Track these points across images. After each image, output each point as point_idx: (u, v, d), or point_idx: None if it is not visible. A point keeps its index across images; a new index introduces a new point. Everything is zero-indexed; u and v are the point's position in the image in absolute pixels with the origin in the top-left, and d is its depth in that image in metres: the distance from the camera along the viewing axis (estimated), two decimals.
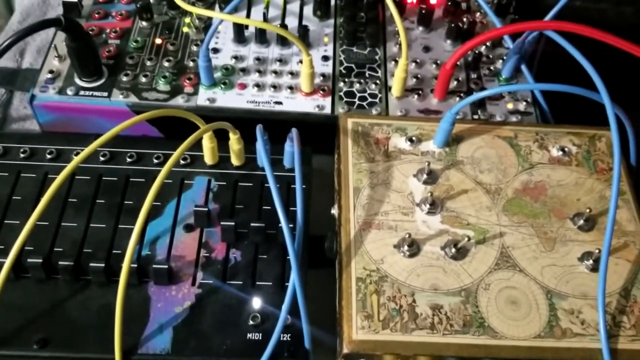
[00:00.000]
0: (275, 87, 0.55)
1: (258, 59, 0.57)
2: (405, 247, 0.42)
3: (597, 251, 0.43)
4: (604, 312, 0.40)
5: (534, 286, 0.42)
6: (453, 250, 0.42)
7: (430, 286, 0.41)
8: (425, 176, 0.46)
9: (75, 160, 0.38)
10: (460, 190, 0.46)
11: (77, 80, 0.54)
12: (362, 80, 0.56)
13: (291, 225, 0.42)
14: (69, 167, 0.38)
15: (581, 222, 0.45)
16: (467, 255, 0.43)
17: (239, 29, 0.57)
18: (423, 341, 0.39)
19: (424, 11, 0.60)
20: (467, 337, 0.40)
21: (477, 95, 0.46)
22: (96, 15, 0.59)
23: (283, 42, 0.58)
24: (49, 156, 0.49)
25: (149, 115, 0.41)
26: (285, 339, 0.41)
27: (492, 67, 0.58)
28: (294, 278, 0.39)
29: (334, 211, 0.47)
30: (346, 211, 0.45)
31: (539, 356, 0.40)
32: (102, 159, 0.49)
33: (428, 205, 0.44)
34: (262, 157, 0.42)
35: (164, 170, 0.39)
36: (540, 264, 0.43)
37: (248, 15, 0.61)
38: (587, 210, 0.45)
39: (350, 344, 0.39)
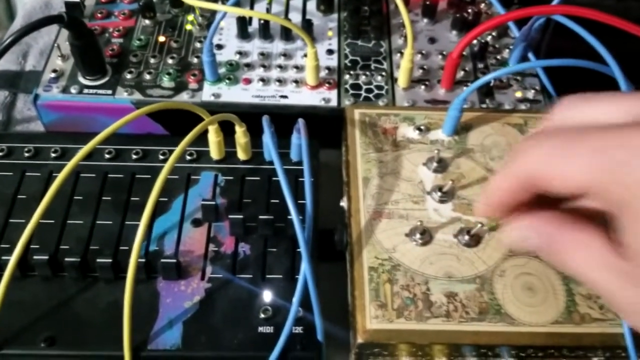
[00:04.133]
0: (280, 81, 0.54)
1: (262, 54, 0.56)
2: (418, 236, 0.42)
3: None
4: None
5: (550, 272, 0.41)
6: (466, 237, 0.42)
7: (444, 274, 0.40)
8: (435, 164, 0.45)
9: (78, 155, 0.37)
10: (472, 178, 0.45)
11: (81, 79, 0.53)
12: (367, 73, 0.56)
13: (300, 217, 0.41)
14: (71, 163, 0.37)
15: None
16: (480, 242, 0.42)
17: (243, 25, 0.57)
18: (439, 329, 0.38)
19: (428, 3, 0.60)
20: (484, 325, 0.39)
21: (484, 79, 0.45)
22: (99, 15, 0.59)
23: (287, 36, 0.57)
24: (53, 155, 0.48)
25: (152, 108, 0.40)
26: (297, 331, 0.40)
27: (498, 57, 0.58)
28: (305, 269, 0.38)
29: (343, 203, 0.46)
30: (356, 201, 0.44)
31: (558, 342, 0.39)
32: (107, 156, 0.48)
33: (439, 193, 0.44)
34: (269, 148, 0.42)
35: (169, 162, 0.38)
36: None
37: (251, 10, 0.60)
38: None
39: (365, 333, 0.38)
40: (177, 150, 0.38)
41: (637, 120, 0.30)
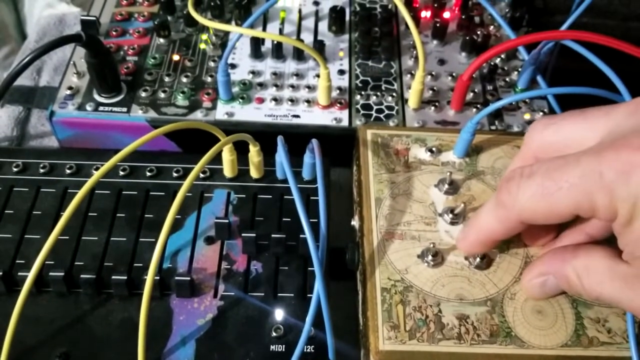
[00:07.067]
0: (292, 100, 0.55)
1: (275, 73, 0.57)
2: (430, 257, 0.42)
3: None
4: (633, 320, 0.40)
5: (559, 295, 0.42)
6: (477, 260, 0.42)
7: (455, 296, 0.41)
8: (446, 186, 0.46)
9: (97, 174, 0.38)
10: (482, 201, 0.46)
11: (96, 96, 0.54)
12: (378, 93, 0.57)
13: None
14: (90, 182, 0.38)
15: None
16: (491, 265, 0.42)
17: (256, 45, 0.58)
18: (450, 351, 0.38)
19: (438, 25, 0.61)
20: (495, 347, 0.39)
21: (497, 104, 0.46)
22: (114, 33, 0.60)
23: (299, 56, 0.58)
24: (68, 171, 0.49)
25: (170, 127, 0.40)
26: (308, 350, 0.41)
27: (507, 79, 0.59)
28: (318, 289, 0.38)
29: (354, 222, 0.47)
30: (368, 221, 0.44)
31: None
32: (122, 173, 0.49)
33: (451, 215, 0.44)
34: (285, 166, 0.42)
35: (186, 183, 0.38)
36: None
37: (264, 31, 0.61)
38: None
39: (377, 354, 0.38)
40: (194, 171, 0.39)
41: (612, 138, 0.31)
